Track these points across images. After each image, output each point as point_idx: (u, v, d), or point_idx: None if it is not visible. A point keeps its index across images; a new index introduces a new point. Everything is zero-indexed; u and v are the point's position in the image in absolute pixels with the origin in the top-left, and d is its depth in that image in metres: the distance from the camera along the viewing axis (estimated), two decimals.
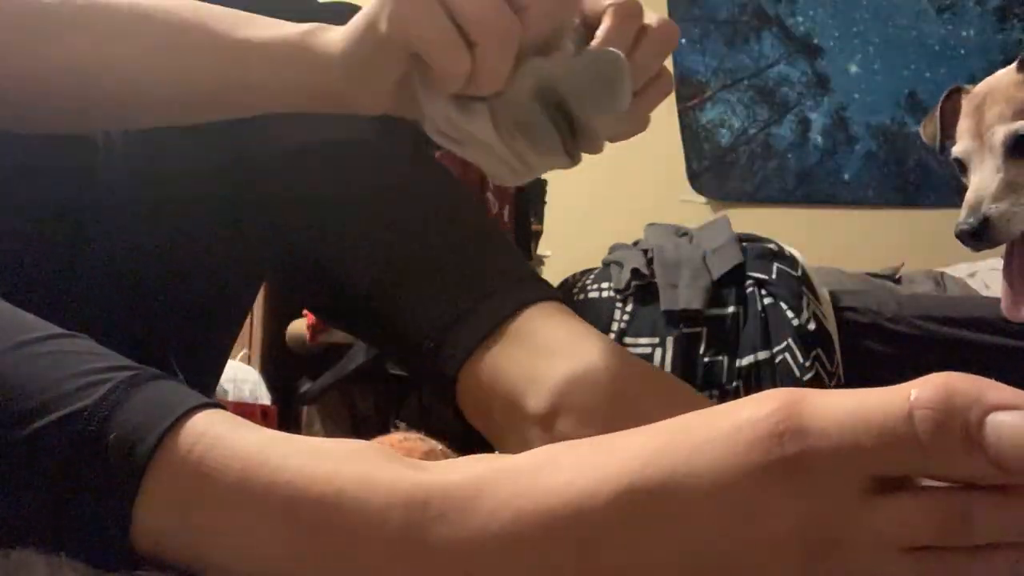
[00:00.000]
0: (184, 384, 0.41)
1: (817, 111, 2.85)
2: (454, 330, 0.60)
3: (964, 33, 2.83)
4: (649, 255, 1.80)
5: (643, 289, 1.73)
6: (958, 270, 2.24)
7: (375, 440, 0.50)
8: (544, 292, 0.62)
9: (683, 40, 2.89)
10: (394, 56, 0.52)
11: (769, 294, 1.69)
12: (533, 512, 0.35)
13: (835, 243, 2.62)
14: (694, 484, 0.33)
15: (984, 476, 0.31)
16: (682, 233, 1.94)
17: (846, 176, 2.82)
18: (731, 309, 1.68)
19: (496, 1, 0.49)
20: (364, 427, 2.15)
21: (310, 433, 0.98)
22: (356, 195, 0.65)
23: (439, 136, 0.54)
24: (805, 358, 1.61)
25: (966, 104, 1.35)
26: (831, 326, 1.72)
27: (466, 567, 0.35)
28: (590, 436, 0.38)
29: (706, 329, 1.66)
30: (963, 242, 1.30)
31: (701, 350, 1.63)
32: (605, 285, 1.75)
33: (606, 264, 1.83)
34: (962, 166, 1.40)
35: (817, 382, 1.54)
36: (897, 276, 2.22)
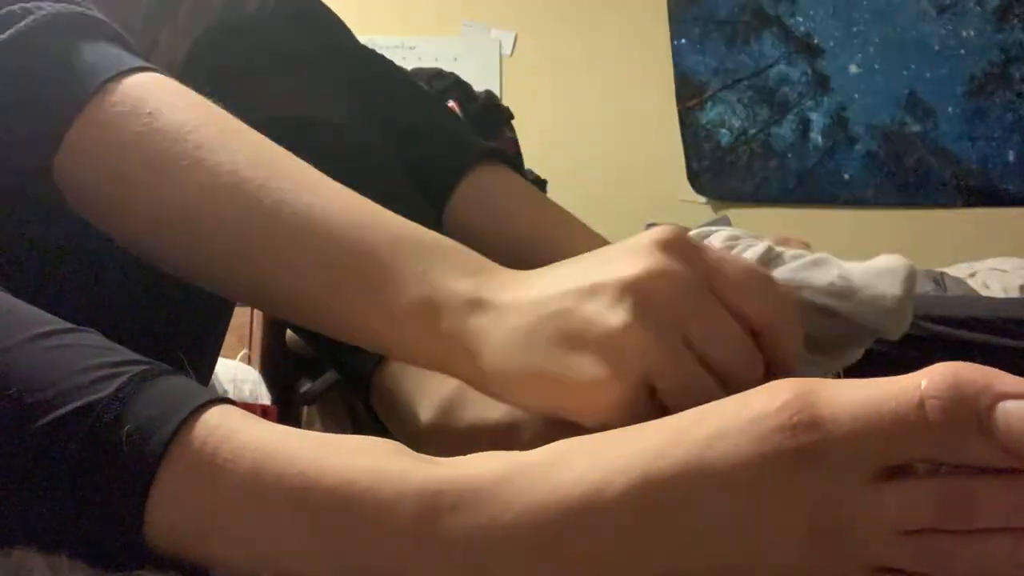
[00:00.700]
0: (195, 381, 0.41)
1: (817, 111, 2.85)
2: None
3: (964, 33, 2.83)
4: None
5: None
6: (958, 270, 2.24)
7: None
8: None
9: (683, 40, 2.89)
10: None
11: None
12: (548, 503, 0.35)
13: (835, 243, 2.62)
14: (708, 474, 0.34)
15: (992, 462, 0.32)
16: None
17: (846, 176, 2.82)
18: None
19: (747, 346, 0.45)
20: (364, 427, 2.15)
21: None
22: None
23: None
24: None
25: None
26: None
27: (479, 557, 0.35)
28: None
29: None
30: None
31: None
32: None
33: None
34: None
35: None
36: None
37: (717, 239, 0.52)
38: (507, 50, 2.92)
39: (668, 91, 2.87)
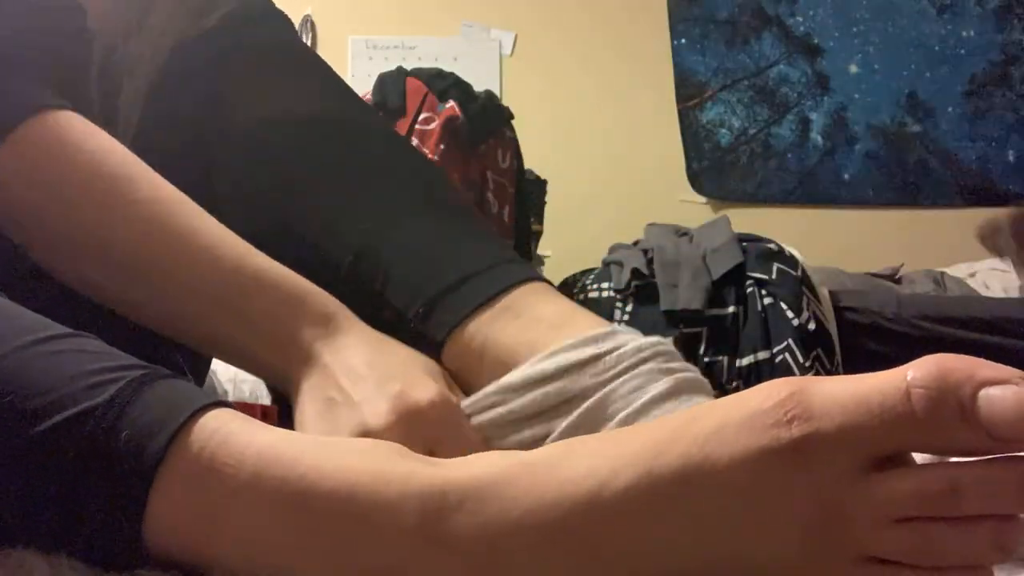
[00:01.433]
0: (193, 384, 0.41)
1: (817, 111, 2.85)
2: (444, 300, 0.60)
3: (964, 33, 2.83)
4: (649, 255, 1.80)
5: (643, 289, 1.73)
6: (958, 270, 2.24)
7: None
8: (533, 273, 0.62)
9: (683, 40, 2.89)
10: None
11: (769, 294, 1.69)
12: (552, 500, 0.36)
13: (835, 243, 2.63)
14: (708, 469, 0.35)
15: (978, 448, 0.33)
16: (682, 233, 1.94)
17: (846, 176, 2.82)
18: (731, 309, 1.68)
19: None
20: None
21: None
22: (331, 170, 0.64)
23: None
24: (805, 358, 1.61)
25: None
26: (831, 326, 1.72)
27: (485, 554, 0.36)
28: None
29: (706, 329, 1.66)
30: None
31: (701, 350, 1.63)
32: (605, 285, 1.75)
33: (606, 264, 1.83)
34: None
35: None
36: (897, 276, 2.22)
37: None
38: (507, 50, 2.92)
39: (668, 91, 2.87)
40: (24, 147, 0.55)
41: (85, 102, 0.61)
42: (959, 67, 2.81)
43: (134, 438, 0.37)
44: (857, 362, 1.68)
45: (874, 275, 2.20)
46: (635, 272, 1.74)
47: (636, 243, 1.90)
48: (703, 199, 2.83)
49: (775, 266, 1.72)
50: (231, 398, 1.79)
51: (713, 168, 2.85)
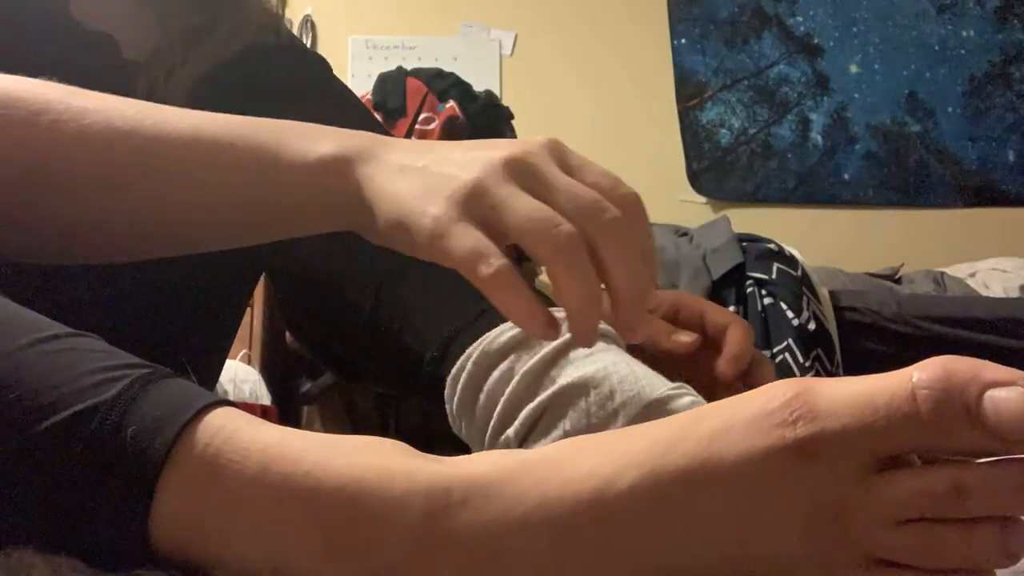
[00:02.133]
0: (197, 384, 0.41)
1: (817, 111, 2.85)
2: (459, 339, 0.60)
3: (964, 33, 2.83)
4: None
5: None
6: (958, 270, 2.24)
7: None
8: (548, 302, 0.62)
9: (683, 40, 2.89)
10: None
11: (769, 294, 1.69)
12: (557, 498, 0.36)
13: (835, 243, 2.63)
14: (713, 468, 0.35)
15: (983, 449, 0.34)
16: (682, 233, 1.94)
17: (846, 176, 2.82)
18: (731, 309, 1.69)
19: (545, 211, 0.46)
20: (364, 427, 2.15)
21: None
22: None
23: None
24: (805, 358, 1.61)
25: None
26: (831, 326, 1.72)
27: (490, 552, 0.36)
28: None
29: None
30: None
31: None
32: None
33: None
34: None
35: None
36: (897, 276, 2.22)
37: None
38: (507, 50, 2.92)
39: (668, 91, 2.87)
40: None
41: None
42: (959, 67, 2.82)
43: (139, 435, 0.37)
44: (857, 362, 1.68)
45: (874, 275, 2.20)
46: None
47: None
48: (703, 199, 2.83)
49: (775, 266, 1.72)
50: (231, 398, 1.79)
51: (713, 168, 2.85)
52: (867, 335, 1.77)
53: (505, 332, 0.57)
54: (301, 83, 0.75)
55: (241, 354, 2.07)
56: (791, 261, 1.76)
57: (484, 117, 2.12)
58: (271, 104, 0.61)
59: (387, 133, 0.61)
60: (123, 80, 0.64)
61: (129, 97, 0.53)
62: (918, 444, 0.34)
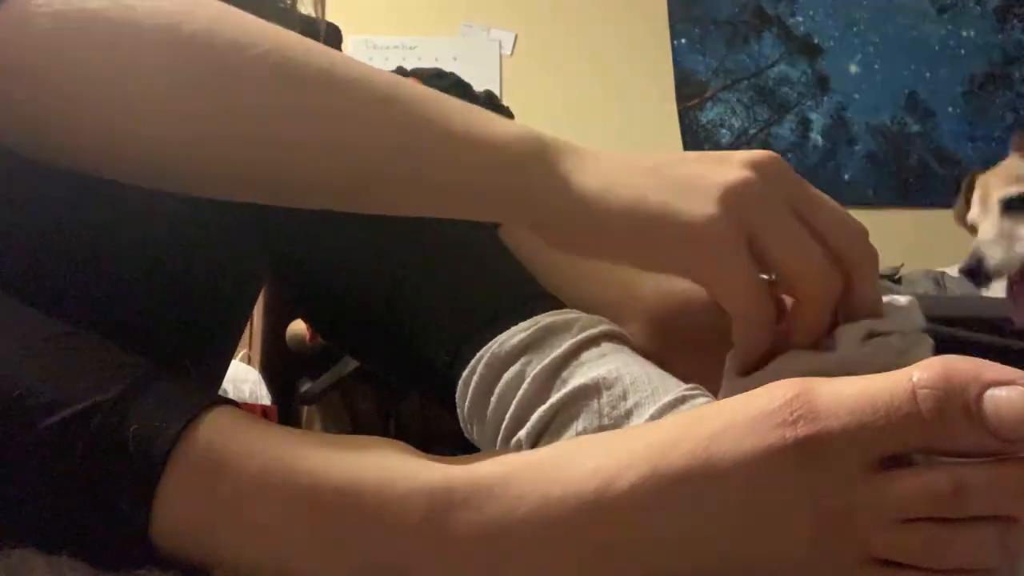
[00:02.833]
0: (200, 383, 0.41)
1: (817, 111, 2.85)
2: (470, 342, 0.59)
3: (964, 33, 2.83)
4: None
5: None
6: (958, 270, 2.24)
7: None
8: (559, 305, 0.62)
9: (683, 40, 2.89)
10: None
11: None
12: (559, 498, 0.36)
13: None
14: (715, 467, 0.35)
15: (984, 449, 0.33)
16: None
17: (846, 176, 2.82)
18: None
19: (820, 258, 0.45)
20: (364, 427, 2.15)
21: None
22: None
23: None
24: None
25: (978, 182, 1.90)
26: None
27: (491, 551, 0.36)
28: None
29: None
30: (969, 280, 1.81)
31: None
32: None
33: None
34: (974, 228, 1.93)
35: None
36: (897, 276, 2.22)
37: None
38: (507, 50, 2.92)
39: (668, 91, 2.87)
40: None
41: None
42: (959, 67, 2.82)
43: (142, 433, 0.37)
44: None
45: None
46: None
47: None
48: None
49: None
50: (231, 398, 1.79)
51: None
52: None
53: (516, 335, 0.57)
54: None
55: (241, 354, 2.07)
56: None
57: None
58: None
59: None
60: None
61: None
62: (919, 444, 0.34)
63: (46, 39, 0.44)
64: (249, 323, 2.15)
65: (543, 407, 0.54)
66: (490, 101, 2.11)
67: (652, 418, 0.52)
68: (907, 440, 0.34)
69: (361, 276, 0.64)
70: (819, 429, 0.34)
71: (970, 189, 1.96)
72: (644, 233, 0.45)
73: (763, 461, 0.35)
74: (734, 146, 2.85)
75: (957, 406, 0.33)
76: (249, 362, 2.09)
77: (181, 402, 0.39)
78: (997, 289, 2.08)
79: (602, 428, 0.52)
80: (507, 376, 0.56)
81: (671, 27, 2.89)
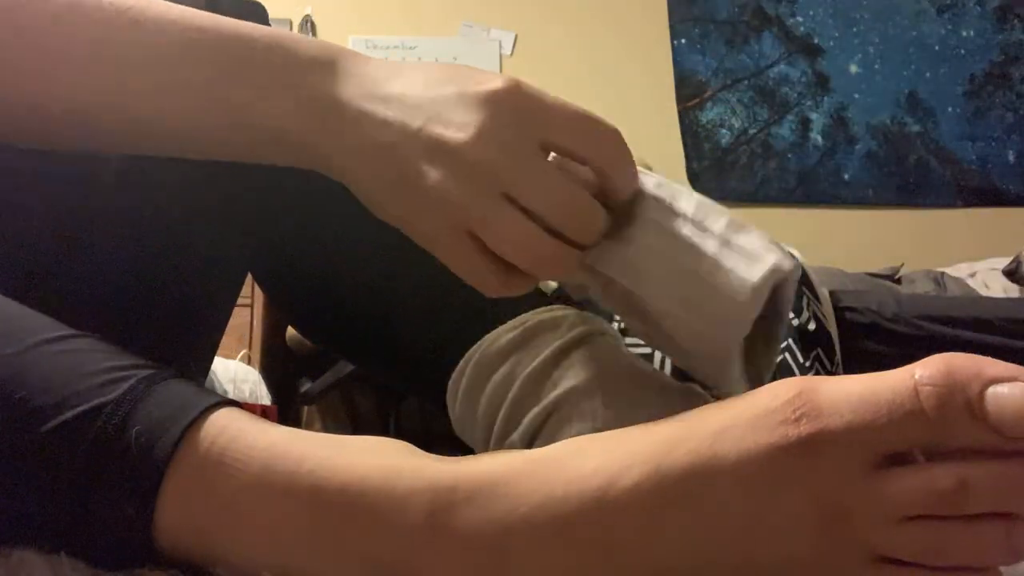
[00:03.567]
0: (203, 384, 0.41)
1: (817, 111, 2.85)
2: (457, 340, 0.59)
3: (964, 33, 2.83)
4: None
5: None
6: (958, 270, 2.24)
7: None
8: (547, 301, 0.62)
9: (683, 40, 2.89)
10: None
11: None
12: (562, 496, 0.36)
13: (835, 243, 2.63)
14: (719, 465, 0.35)
15: (986, 445, 0.34)
16: None
17: (846, 176, 2.82)
18: None
19: (576, 197, 0.47)
20: (364, 427, 2.15)
21: None
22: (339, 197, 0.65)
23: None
24: (805, 358, 1.61)
25: None
26: (831, 326, 1.72)
27: (495, 548, 0.36)
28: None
29: None
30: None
31: None
32: None
33: None
34: None
35: None
36: (897, 276, 2.22)
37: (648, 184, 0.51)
38: (507, 50, 2.92)
39: (668, 91, 2.87)
40: None
41: None
42: (959, 67, 2.81)
43: (144, 434, 0.37)
44: (857, 362, 1.68)
45: (874, 275, 2.20)
46: None
47: None
48: None
49: None
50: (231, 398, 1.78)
51: (713, 168, 2.85)
52: (867, 335, 1.77)
53: (504, 335, 0.57)
54: None
55: (241, 354, 2.07)
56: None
57: None
58: None
59: None
60: None
61: None
62: (921, 440, 0.34)
63: None
64: (249, 323, 2.15)
65: (536, 409, 0.54)
66: None
67: (646, 420, 0.52)
68: (909, 437, 0.34)
69: (344, 274, 0.64)
70: (822, 427, 0.34)
71: None
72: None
73: (766, 459, 0.35)
74: (734, 146, 2.85)
75: (959, 403, 0.33)
76: (249, 362, 2.09)
77: (183, 403, 0.39)
78: (997, 289, 2.08)
79: (596, 430, 0.52)
80: (496, 377, 0.56)
81: (671, 27, 2.89)
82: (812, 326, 1.64)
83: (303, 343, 2.01)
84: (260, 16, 0.65)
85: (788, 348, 1.63)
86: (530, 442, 0.54)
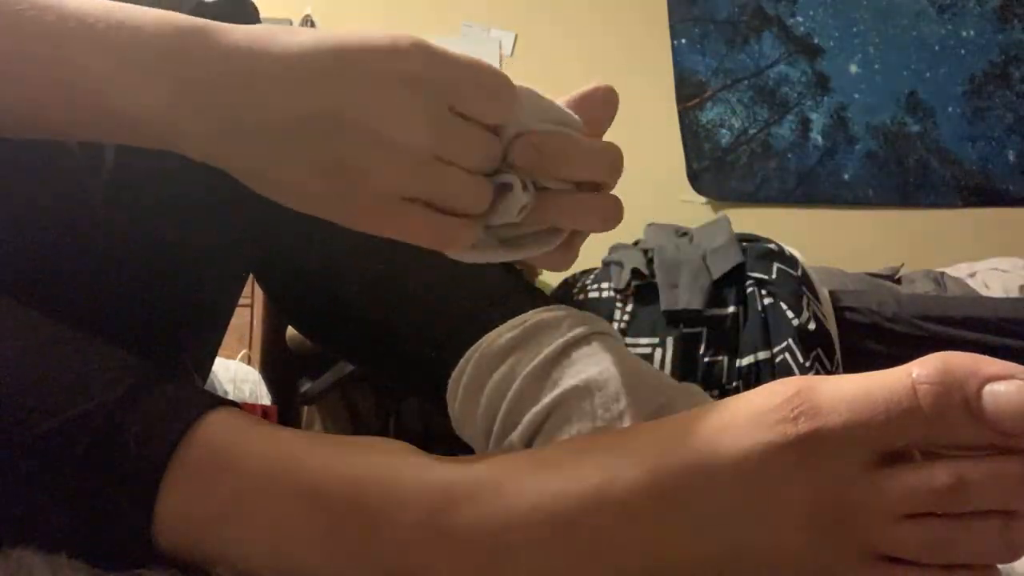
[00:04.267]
0: (202, 385, 0.41)
1: (817, 111, 2.85)
2: (457, 339, 0.59)
3: (964, 33, 2.83)
4: (649, 255, 1.80)
5: (643, 289, 1.73)
6: (958, 270, 2.24)
7: None
8: (542, 298, 0.62)
9: (683, 40, 2.89)
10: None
11: (769, 294, 1.69)
12: (561, 495, 0.36)
13: (835, 243, 2.63)
14: (717, 464, 0.36)
15: (984, 443, 0.34)
16: (682, 233, 1.94)
17: (846, 176, 2.82)
18: (731, 309, 1.69)
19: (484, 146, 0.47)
20: (364, 427, 2.15)
21: None
22: None
23: None
24: (805, 358, 1.61)
25: None
26: (831, 326, 1.72)
27: (495, 546, 0.36)
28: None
29: (706, 329, 1.66)
30: None
31: (701, 350, 1.63)
32: (605, 285, 1.75)
33: (606, 264, 1.84)
34: None
35: None
36: (897, 276, 2.22)
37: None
38: (507, 50, 2.92)
39: (668, 91, 2.87)
40: None
41: None
42: (959, 67, 2.81)
43: (144, 435, 0.37)
44: (857, 362, 1.68)
45: (874, 275, 2.20)
46: (635, 272, 1.74)
47: (636, 243, 1.91)
48: (703, 199, 2.83)
49: (775, 266, 1.72)
50: (231, 398, 1.79)
51: (713, 168, 2.85)
52: (867, 335, 1.77)
53: (504, 333, 0.57)
54: None
55: (241, 354, 2.07)
56: (791, 261, 1.75)
57: None
58: None
59: None
60: None
61: None
62: (919, 439, 0.34)
63: None
64: (249, 323, 2.15)
65: (535, 408, 0.54)
66: None
67: (647, 419, 0.52)
68: (907, 435, 0.34)
69: (344, 274, 0.64)
70: (820, 425, 0.35)
71: None
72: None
73: (764, 458, 0.35)
74: (734, 146, 2.85)
75: (957, 401, 0.33)
76: (249, 362, 2.09)
77: (182, 404, 0.39)
78: (997, 289, 2.08)
79: (596, 430, 0.52)
80: (496, 376, 0.56)
81: (671, 27, 2.89)
82: (812, 326, 1.64)
83: (303, 343, 2.01)
84: (249, 14, 0.65)
85: (788, 348, 1.63)
86: (530, 441, 0.54)
